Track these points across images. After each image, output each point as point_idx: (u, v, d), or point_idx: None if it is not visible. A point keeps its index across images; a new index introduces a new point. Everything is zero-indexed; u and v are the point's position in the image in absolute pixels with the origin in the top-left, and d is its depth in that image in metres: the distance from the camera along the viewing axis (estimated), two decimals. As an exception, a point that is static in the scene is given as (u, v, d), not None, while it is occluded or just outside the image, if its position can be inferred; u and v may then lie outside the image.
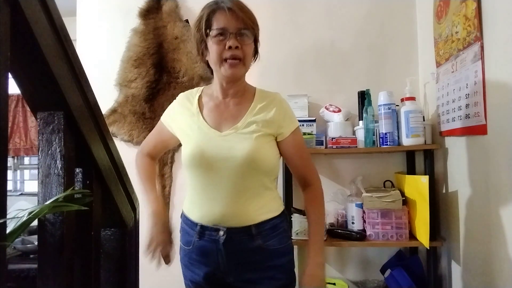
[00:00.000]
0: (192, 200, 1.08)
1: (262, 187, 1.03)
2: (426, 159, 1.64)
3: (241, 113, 1.04)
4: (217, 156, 0.99)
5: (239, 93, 1.07)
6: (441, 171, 1.66)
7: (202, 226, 1.03)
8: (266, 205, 1.04)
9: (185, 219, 1.10)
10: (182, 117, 1.11)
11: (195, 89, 1.16)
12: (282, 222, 1.07)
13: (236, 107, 1.06)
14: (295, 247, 1.83)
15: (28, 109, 3.37)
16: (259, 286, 1.03)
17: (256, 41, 1.05)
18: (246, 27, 0.98)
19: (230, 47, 0.97)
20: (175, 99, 1.18)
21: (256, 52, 1.07)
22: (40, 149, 0.68)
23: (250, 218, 1.01)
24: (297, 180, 1.13)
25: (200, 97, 1.11)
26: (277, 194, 1.11)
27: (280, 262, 1.04)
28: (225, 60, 0.99)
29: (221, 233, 1.00)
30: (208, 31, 1.00)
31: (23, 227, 0.56)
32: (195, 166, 1.02)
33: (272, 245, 1.03)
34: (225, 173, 0.99)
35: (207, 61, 1.06)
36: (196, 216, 1.05)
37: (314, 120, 1.81)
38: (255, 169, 0.99)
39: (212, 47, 0.99)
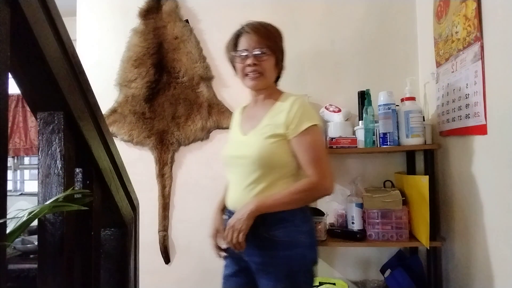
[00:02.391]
0: (227, 189, 1.30)
1: (273, 183, 1.15)
2: (426, 159, 1.64)
3: (263, 117, 1.21)
4: (235, 154, 1.22)
5: (266, 99, 1.26)
6: (441, 171, 1.66)
7: (229, 210, 1.25)
8: None
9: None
10: (232, 129, 1.38)
11: (244, 104, 1.40)
12: (292, 216, 1.14)
13: (261, 112, 1.23)
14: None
15: (28, 109, 3.37)
16: (262, 272, 1.15)
17: (277, 56, 1.23)
18: (262, 47, 1.19)
19: (249, 65, 1.19)
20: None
21: (278, 63, 1.25)
22: (40, 149, 0.68)
23: None
24: None
25: (244, 108, 1.37)
26: None
27: (286, 254, 1.12)
28: (247, 74, 1.21)
29: None
30: (235, 51, 1.24)
31: (23, 227, 0.56)
32: (224, 163, 1.28)
33: (276, 236, 1.12)
34: (240, 168, 1.19)
35: None
36: (227, 201, 1.27)
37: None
38: (262, 165, 1.14)
39: (237, 64, 1.24)
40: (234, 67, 1.28)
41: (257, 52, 1.18)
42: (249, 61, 1.19)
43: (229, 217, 1.19)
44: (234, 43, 1.24)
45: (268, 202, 1.11)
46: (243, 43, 1.21)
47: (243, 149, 1.19)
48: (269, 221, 1.13)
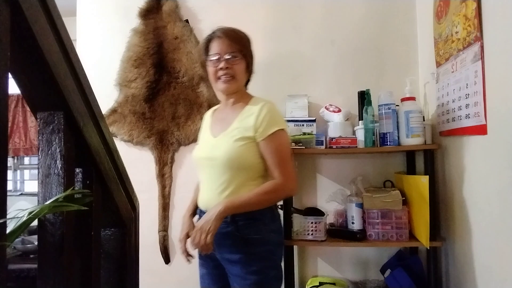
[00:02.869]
0: (199, 190, 1.33)
1: (242, 183, 1.19)
2: (426, 159, 1.64)
3: (233, 120, 1.24)
4: (205, 156, 1.26)
5: (236, 103, 1.29)
6: (441, 171, 1.66)
7: (200, 210, 1.29)
8: None
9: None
10: (202, 131, 1.40)
11: (215, 106, 1.44)
12: (261, 215, 1.20)
13: (231, 115, 1.26)
14: (295, 247, 1.84)
15: (28, 109, 3.37)
16: (233, 267, 1.20)
17: (248, 60, 1.26)
18: (233, 51, 1.22)
19: (221, 68, 1.22)
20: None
21: (248, 67, 1.28)
22: (40, 149, 0.68)
23: None
24: None
25: (214, 111, 1.40)
26: None
27: (256, 251, 1.17)
28: (219, 78, 1.23)
29: None
30: (206, 56, 1.27)
31: (23, 227, 0.56)
32: (195, 165, 1.32)
33: (246, 234, 1.18)
34: (211, 169, 1.23)
35: None
36: (199, 202, 1.30)
37: (314, 120, 1.81)
38: (230, 167, 1.19)
39: (209, 69, 1.26)
40: (206, 71, 1.31)
41: (228, 56, 1.22)
42: (221, 65, 1.22)
43: (200, 214, 1.27)
44: (205, 47, 1.27)
45: (236, 203, 1.15)
46: (215, 47, 1.24)
47: (213, 151, 1.23)
48: (239, 221, 1.18)
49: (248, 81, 1.34)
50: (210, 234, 1.10)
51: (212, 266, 1.29)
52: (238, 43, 1.24)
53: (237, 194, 1.18)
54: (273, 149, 1.19)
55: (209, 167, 1.24)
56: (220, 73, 1.22)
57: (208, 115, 1.41)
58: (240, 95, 1.29)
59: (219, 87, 1.26)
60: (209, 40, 1.27)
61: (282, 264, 1.63)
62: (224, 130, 1.24)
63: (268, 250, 1.20)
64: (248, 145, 1.19)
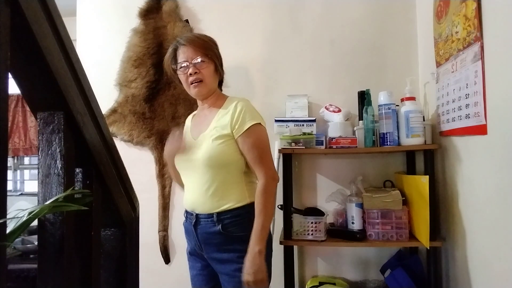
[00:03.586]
0: (185, 192, 1.36)
1: (225, 181, 1.23)
2: (426, 159, 1.64)
3: (211, 121, 1.28)
4: (187, 157, 1.28)
5: (212, 105, 1.33)
6: (441, 171, 1.66)
7: (186, 211, 1.34)
8: (227, 197, 1.23)
9: None
10: (184, 136, 1.40)
11: (194, 111, 1.47)
12: (246, 212, 1.23)
13: (209, 117, 1.31)
14: (295, 247, 1.84)
15: (27, 109, 3.36)
16: (222, 266, 1.24)
17: (215, 62, 1.30)
18: (199, 55, 1.25)
19: (190, 74, 1.26)
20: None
21: (217, 69, 1.31)
22: (40, 149, 0.68)
23: (212, 207, 1.23)
24: None
25: (194, 116, 1.44)
26: (244, 187, 1.26)
27: (242, 248, 1.19)
28: (192, 83, 1.27)
29: (193, 217, 1.27)
30: (175, 65, 1.30)
31: (23, 227, 0.56)
32: (178, 167, 1.34)
33: (233, 232, 1.22)
34: (193, 170, 1.26)
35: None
36: (184, 202, 1.34)
37: (314, 120, 1.81)
38: (211, 166, 1.22)
39: (180, 76, 1.30)
40: (177, 80, 1.35)
41: (196, 61, 1.25)
42: (190, 71, 1.25)
43: (188, 219, 1.31)
44: (173, 56, 1.31)
45: (260, 233, 1.18)
46: (182, 55, 1.28)
47: (193, 152, 1.27)
48: (225, 219, 1.22)
49: (221, 82, 1.38)
50: (265, 279, 1.16)
51: (201, 266, 1.33)
52: (203, 48, 1.27)
53: (221, 191, 1.23)
54: (251, 144, 1.23)
55: (191, 168, 1.27)
56: (191, 78, 1.26)
57: (188, 120, 1.45)
58: (216, 97, 1.33)
59: (191, 92, 1.30)
60: (175, 49, 1.31)
61: (282, 263, 1.65)
62: (203, 131, 1.28)
63: None
64: (226, 143, 1.23)
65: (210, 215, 1.24)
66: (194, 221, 1.27)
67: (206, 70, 1.27)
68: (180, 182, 1.40)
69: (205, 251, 1.27)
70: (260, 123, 1.26)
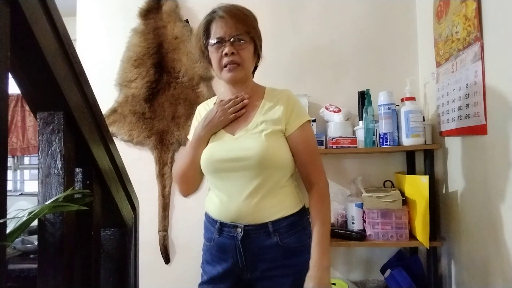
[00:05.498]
0: (211, 199, 1.11)
1: (277, 185, 1.04)
2: (426, 159, 1.64)
3: (252, 114, 1.08)
4: (229, 157, 1.04)
5: (252, 95, 1.11)
6: (441, 171, 1.66)
7: (221, 223, 1.06)
8: (282, 202, 1.05)
9: (207, 216, 1.14)
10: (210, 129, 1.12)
11: (211, 98, 1.23)
12: (301, 219, 1.06)
13: (247, 109, 1.10)
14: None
15: (26, 108, 3.36)
16: (275, 284, 1.03)
17: (255, 42, 1.09)
18: (240, 33, 1.04)
19: (226, 54, 1.03)
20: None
21: (256, 52, 1.11)
22: (40, 149, 0.68)
23: (266, 216, 1.02)
24: (302, 179, 1.10)
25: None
26: (294, 190, 1.09)
27: (297, 261, 1.03)
28: (225, 66, 1.05)
29: (239, 230, 1.03)
30: (207, 41, 1.08)
31: (23, 227, 0.56)
32: (209, 170, 1.07)
33: (289, 243, 1.03)
34: (239, 173, 1.03)
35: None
36: (215, 213, 1.08)
37: (314, 120, 1.81)
38: (266, 167, 1.02)
39: (212, 55, 1.07)
40: (206, 59, 1.13)
41: (235, 39, 1.04)
42: (226, 50, 1.03)
43: (226, 232, 1.05)
44: (205, 30, 1.08)
45: (328, 245, 1.01)
46: (218, 29, 1.04)
47: (239, 150, 1.03)
48: (281, 228, 1.03)
49: (256, 67, 1.18)
50: (329, 284, 0.98)
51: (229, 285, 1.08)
52: (244, 24, 1.04)
53: (274, 196, 1.03)
54: (307, 142, 1.07)
55: (235, 171, 1.03)
56: (225, 60, 1.04)
57: (204, 109, 1.18)
58: (252, 86, 1.14)
59: (224, 77, 1.08)
60: (209, 21, 1.07)
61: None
62: (243, 126, 1.07)
63: (307, 260, 1.01)
64: (280, 140, 1.05)
65: (263, 225, 1.02)
66: (241, 235, 1.02)
67: (246, 52, 1.05)
68: (192, 186, 1.15)
69: (251, 269, 1.04)
70: (310, 120, 1.10)
